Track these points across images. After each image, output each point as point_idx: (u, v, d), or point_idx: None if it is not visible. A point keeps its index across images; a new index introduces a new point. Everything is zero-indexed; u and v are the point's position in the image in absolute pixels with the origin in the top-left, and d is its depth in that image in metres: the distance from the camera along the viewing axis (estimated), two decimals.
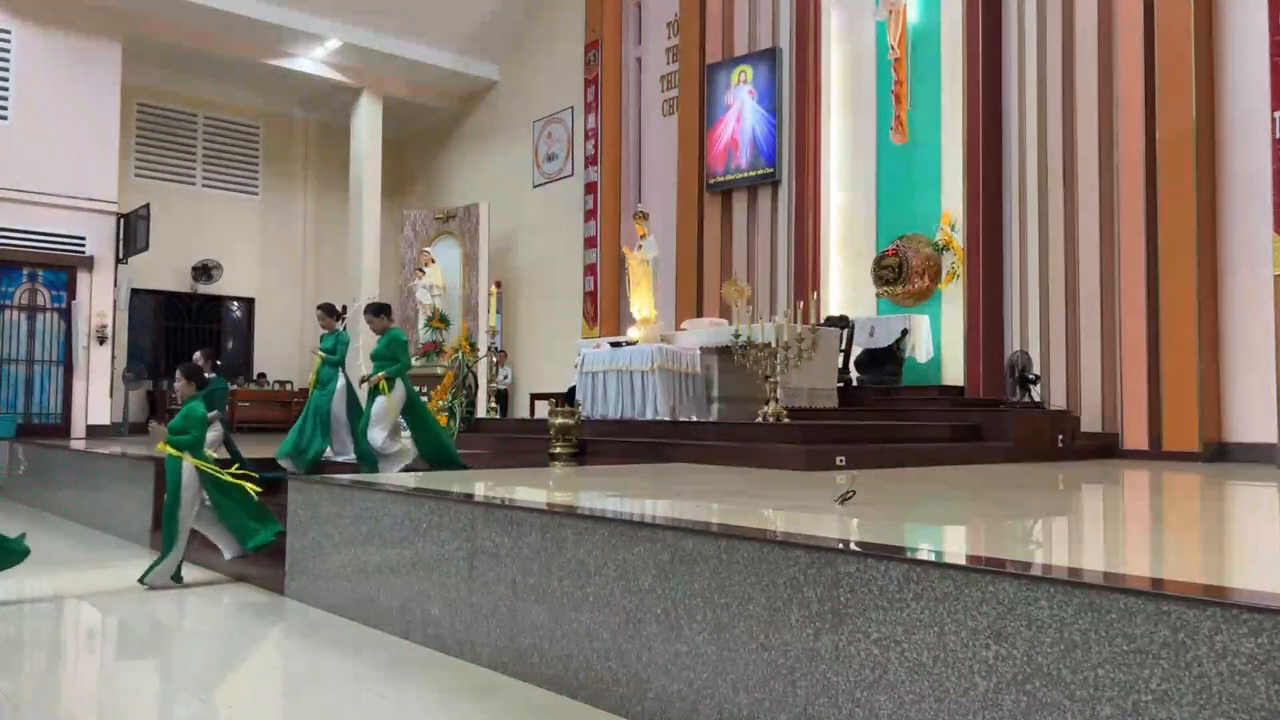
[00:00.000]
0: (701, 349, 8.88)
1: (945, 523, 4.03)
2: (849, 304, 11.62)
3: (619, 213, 14.09)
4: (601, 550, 3.39)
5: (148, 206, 13.73)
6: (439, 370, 13.22)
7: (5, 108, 13.11)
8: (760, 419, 7.72)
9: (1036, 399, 9.02)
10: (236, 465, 6.52)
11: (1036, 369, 9.39)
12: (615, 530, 3.37)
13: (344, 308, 13.04)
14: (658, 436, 7.88)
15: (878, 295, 11.20)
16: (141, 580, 5.46)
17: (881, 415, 9.12)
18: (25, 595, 5.68)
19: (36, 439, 12.18)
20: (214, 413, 6.68)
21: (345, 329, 7.74)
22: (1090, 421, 9.23)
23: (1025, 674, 2.25)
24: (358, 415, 7.10)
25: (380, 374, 6.68)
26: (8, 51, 13.17)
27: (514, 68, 16.66)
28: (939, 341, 10.76)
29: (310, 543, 5.10)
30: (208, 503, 5.71)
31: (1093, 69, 9.46)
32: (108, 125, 13.86)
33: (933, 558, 2.56)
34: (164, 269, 16.04)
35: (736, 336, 8.04)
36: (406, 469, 6.76)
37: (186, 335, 16.89)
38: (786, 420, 7.65)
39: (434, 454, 6.70)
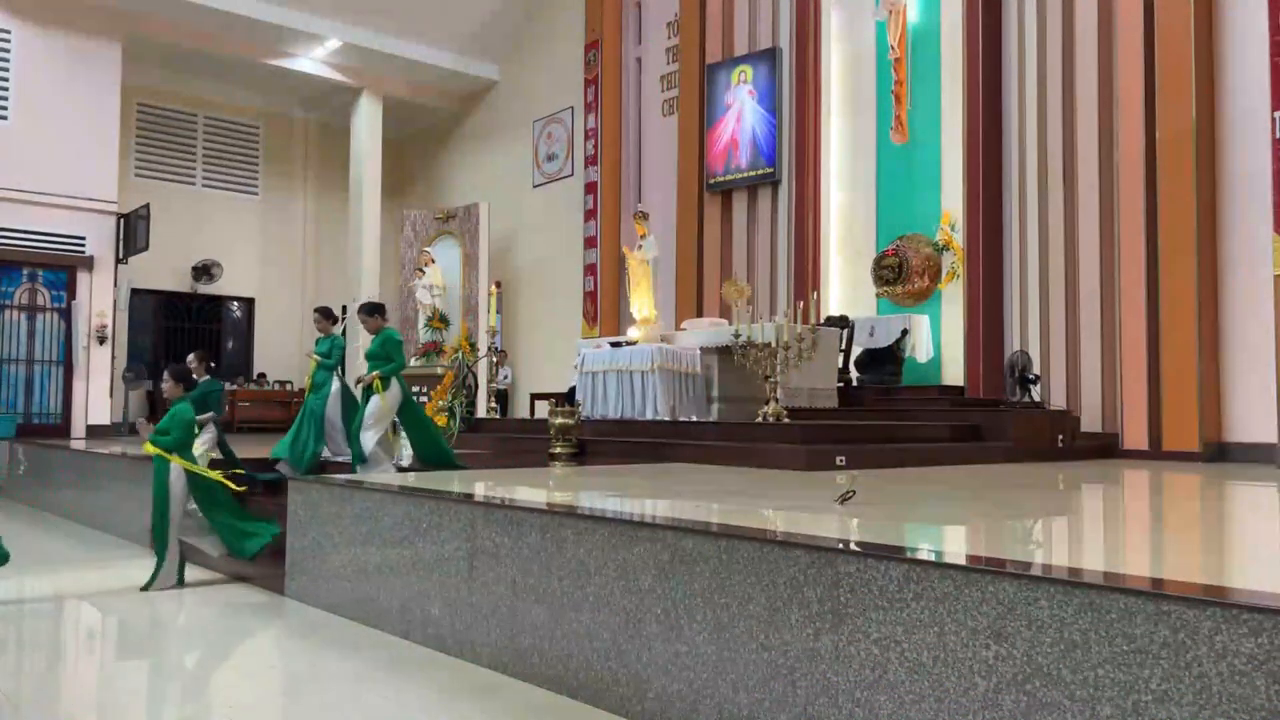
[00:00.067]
0: (701, 349, 8.88)
1: (945, 523, 4.03)
2: (849, 304, 11.61)
3: (619, 213, 14.09)
4: (601, 550, 3.39)
5: (148, 206, 13.72)
6: (439, 370, 13.22)
7: (5, 108, 13.11)
8: (760, 419, 7.72)
9: (1036, 399, 9.02)
10: (232, 468, 6.56)
11: (1036, 369, 9.39)
12: (615, 530, 3.37)
13: (344, 308, 13.04)
14: (658, 436, 7.88)
15: (878, 295, 11.20)
16: (144, 589, 5.45)
17: (881, 415, 9.12)
18: (25, 595, 5.68)
19: (36, 439, 12.18)
20: (210, 414, 6.68)
21: (342, 333, 7.72)
22: (1090, 421, 9.23)
23: (1025, 674, 2.25)
24: (353, 418, 7.10)
25: (375, 373, 6.67)
26: (8, 51, 13.17)
27: (514, 68, 16.66)
28: (939, 341, 10.76)
29: (310, 543, 5.10)
30: (193, 508, 5.69)
31: (1093, 69, 9.46)
32: (108, 125, 13.86)
33: (933, 558, 2.56)
34: (164, 269, 16.03)
35: (736, 336, 8.04)
36: (402, 469, 6.75)
37: (186, 335, 16.89)
38: (786, 420, 7.65)
39: (431, 455, 6.69)
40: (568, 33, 15.19)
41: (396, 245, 16.33)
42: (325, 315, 7.70)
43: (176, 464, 5.57)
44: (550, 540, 3.61)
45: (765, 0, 12.45)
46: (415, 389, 14.24)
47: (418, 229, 15.84)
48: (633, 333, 9.52)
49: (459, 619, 3.99)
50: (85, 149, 13.62)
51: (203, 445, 6.60)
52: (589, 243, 14.44)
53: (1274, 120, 8.02)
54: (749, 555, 2.90)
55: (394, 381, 6.70)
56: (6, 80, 13.14)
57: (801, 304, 8.86)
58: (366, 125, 16.47)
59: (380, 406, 6.63)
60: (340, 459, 7.17)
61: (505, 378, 15.40)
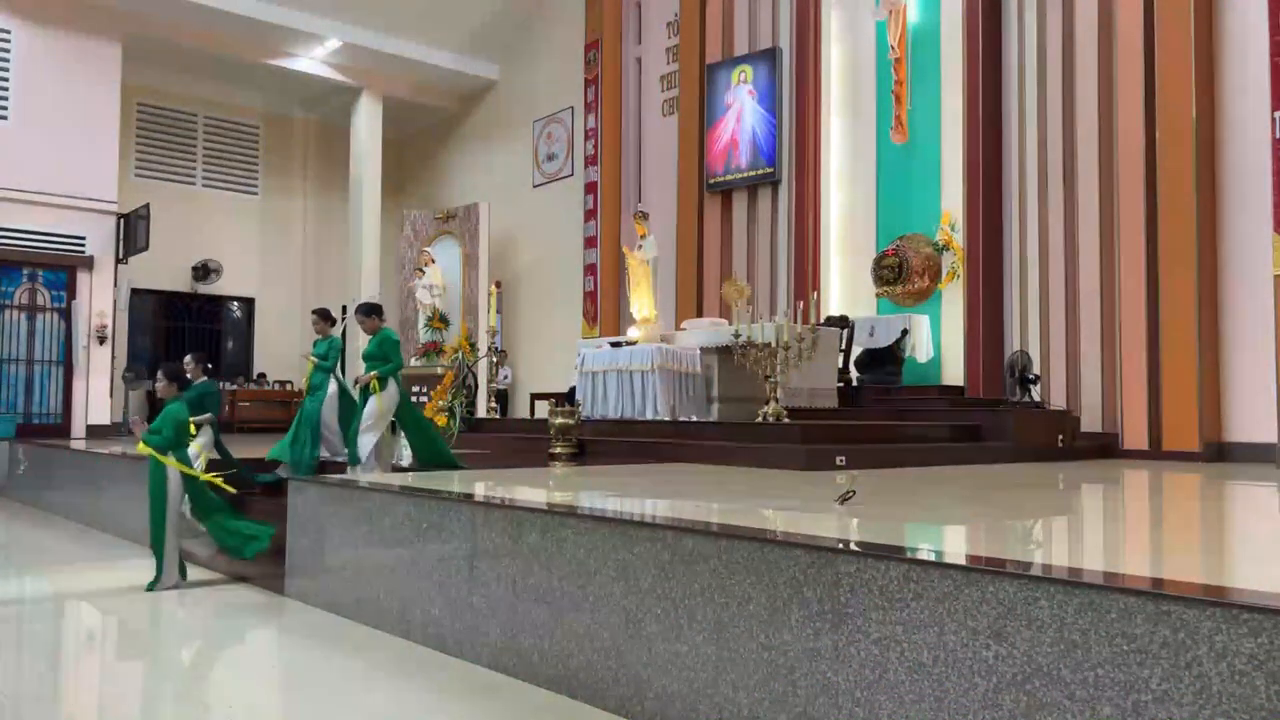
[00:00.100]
0: (701, 349, 8.88)
1: (945, 523, 4.03)
2: (849, 304, 11.61)
3: (619, 213, 14.09)
4: (601, 550, 3.39)
5: (147, 206, 13.72)
6: (439, 370, 13.23)
7: (5, 108, 13.11)
8: (760, 419, 7.72)
9: (1036, 399, 9.02)
10: (229, 469, 6.57)
11: (1036, 369, 9.39)
12: (615, 530, 3.37)
13: (344, 308, 13.04)
14: (658, 436, 7.88)
15: (878, 295, 11.20)
16: (150, 589, 5.45)
17: (881, 415, 9.12)
18: (25, 595, 5.68)
19: (36, 439, 12.18)
20: (207, 416, 6.68)
21: (342, 334, 7.71)
22: (1090, 421, 9.23)
23: (1025, 674, 2.25)
24: (351, 419, 7.10)
25: (372, 374, 6.68)
26: (8, 51, 13.17)
27: (514, 68, 16.66)
28: (939, 341, 10.76)
29: (310, 543, 5.10)
30: (186, 512, 5.69)
31: (1093, 69, 9.46)
32: (108, 125, 13.85)
33: (933, 558, 2.56)
34: (164, 269, 16.03)
35: (736, 336, 8.04)
36: (402, 469, 6.75)
37: (186, 335, 16.89)
38: (786, 420, 7.65)
39: (430, 456, 6.71)
40: (568, 33, 15.19)
41: (396, 245, 16.34)
42: (323, 317, 7.69)
43: (169, 465, 5.56)
44: (550, 540, 3.61)
45: (765, 0, 12.45)
46: (415, 389, 14.30)
47: (418, 229, 15.84)
48: (633, 333, 9.52)
49: (459, 619, 3.99)
50: (85, 149, 13.62)
51: (200, 446, 6.61)
52: (589, 243, 14.44)
53: (1274, 120, 8.02)
54: (749, 555, 2.90)
55: (391, 382, 6.71)
56: (6, 80, 13.14)
57: (801, 304, 8.86)
58: (366, 125, 16.47)
59: (377, 408, 6.63)
60: (339, 459, 7.17)
61: (505, 378, 15.40)
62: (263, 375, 17.11)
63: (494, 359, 13.88)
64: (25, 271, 13.39)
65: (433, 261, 15.15)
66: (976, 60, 10.21)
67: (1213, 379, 8.66)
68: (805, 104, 11.94)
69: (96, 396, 13.70)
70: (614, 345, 9.40)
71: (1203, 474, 7.02)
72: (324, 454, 7.31)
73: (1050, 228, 9.73)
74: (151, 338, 16.65)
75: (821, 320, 10.34)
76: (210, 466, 6.60)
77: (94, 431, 13.41)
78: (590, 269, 14.39)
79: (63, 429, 13.46)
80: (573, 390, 9.86)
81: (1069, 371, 9.50)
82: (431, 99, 17.25)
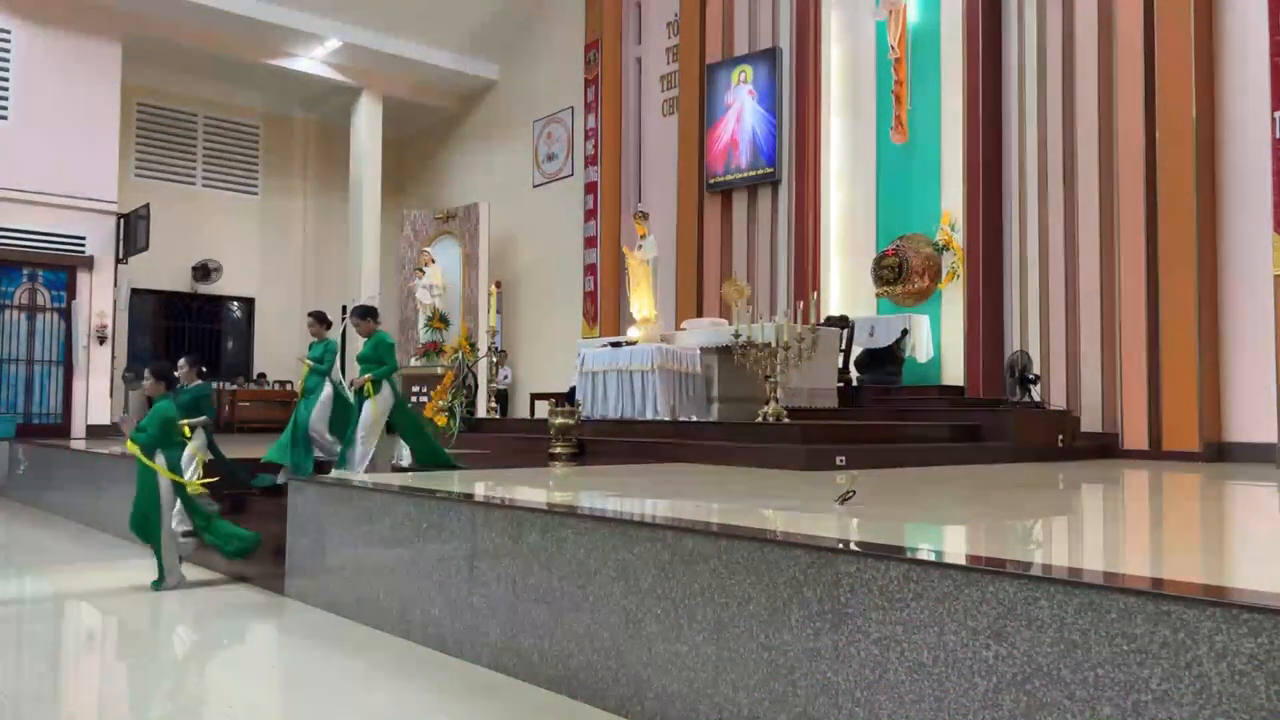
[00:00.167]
0: (701, 349, 8.88)
1: (945, 523, 4.03)
2: (849, 304, 11.62)
3: (619, 213, 14.09)
4: (601, 550, 3.39)
5: (147, 206, 13.72)
6: (439, 370, 13.23)
7: (5, 108, 13.11)
8: (760, 419, 7.72)
9: (1036, 399, 9.02)
10: (222, 470, 6.58)
11: (1036, 369, 9.39)
12: (615, 530, 3.37)
13: (344, 308, 13.02)
14: (658, 436, 7.89)
15: (878, 295, 11.20)
16: (156, 589, 5.45)
17: (881, 415, 9.13)
18: (25, 595, 5.68)
19: (36, 439, 12.18)
20: (202, 419, 6.68)
21: (343, 334, 7.70)
22: (1090, 421, 9.23)
23: (1025, 674, 2.25)
24: (342, 425, 7.10)
25: (366, 376, 6.69)
26: (8, 51, 13.17)
27: (514, 68, 16.66)
28: (939, 341, 10.77)
29: (310, 543, 5.10)
30: (176, 525, 5.67)
31: (1093, 69, 9.46)
32: (107, 125, 13.86)
33: (933, 558, 2.56)
34: (164, 269, 16.03)
35: (736, 336, 8.04)
36: (399, 469, 6.76)
37: (186, 335, 16.89)
38: (786, 420, 7.65)
39: (429, 457, 6.74)
40: (568, 33, 15.19)
41: (396, 245, 16.34)
42: (319, 319, 7.66)
43: (157, 461, 5.54)
44: (550, 540, 3.61)
45: (765, 0, 12.45)
46: (415, 389, 14.31)
47: (418, 229, 15.84)
48: (633, 333, 9.52)
49: (459, 619, 3.99)
50: (85, 149, 13.62)
51: (196, 449, 6.62)
52: (589, 243, 14.44)
53: (1274, 120, 8.02)
54: (749, 555, 2.90)
55: (385, 385, 6.72)
56: (6, 80, 13.14)
57: (801, 304, 8.86)
58: (366, 125, 16.47)
59: (372, 412, 6.65)
60: (332, 459, 7.15)
61: (505, 378, 15.40)
62: (262, 375, 17.11)
63: (494, 359, 13.88)
64: (25, 271, 13.40)
65: (433, 261, 15.16)
66: (976, 60, 10.21)
67: (1213, 379, 8.66)
68: (805, 104, 11.94)
69: (96, 396, 13.70)
70: (614, 345, 9.40)
71: (1203, 474, 7.02)
72: (318, 454, 7.29)
73: (1050, 228, 9.73)
74: (151, 338, 16.65)
75: (821, 320, 10.34)
76: (206, 467, 6.63)
77: (94, 431, 13.41)
78: (590, 269, 14.39)
79: (63, 429, 13.46)
80: (573, 390, 9.86)
81: (1069, 371, 9.50)
82: (431, 99, 17.25)
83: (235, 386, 16.11)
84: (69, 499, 9.23)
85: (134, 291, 14.96)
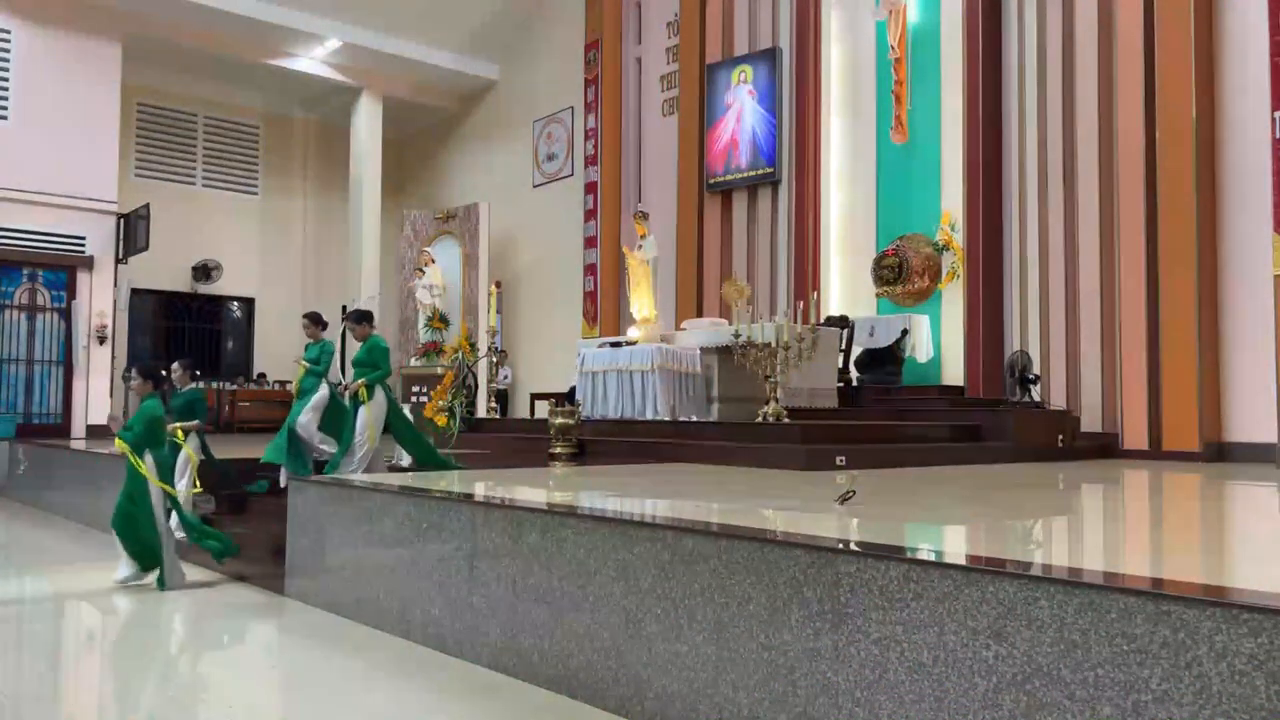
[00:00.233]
0: (701, 349, 8.88)
1: (945, 523, 4.03)
2: (849, 304, 11.62)
3: (619, 213, 14.09)
4: (601, 550, 3.39)
5: (147, 206, 13.73)
6: (439, 370, 13.22)
7: (5, 108, 13.11)
8: (760, 419, 7.72)
9: (1036, 399, 9.02)
10: (216, 474, 6.59)
11: (1036, 369, 9.39)
12: (615, 530, 3.37)
13: (344, 309, 13.02)
14: (658, 436, 7.89)
15: (878, 295, 11.20)
16: (161, 589, 5.44)
17: (881, 415, 9.13)
18: (25, 595, 5.68)
19: (36, 439, 12.18)
20: (194, 423, 6.68)
21: (340, 336, 7.70)
22: (1090, 421, 9.23)
23: (1025, 674, 2.25)
24: (334, 426, 7.10)
25: (360, 380, 6.69)
26: (8, 51, 13.17)
27: (514, 68, 16.66)
28: (939, 341, 10.77)
29: (310, 543, 5.10)
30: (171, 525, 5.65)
31: (1093, 69, 9.46)
32: (107, 125, 13.86)
33: (933, 558, 2.56)
34: (164, 269, 16.03)
35: (736, 336, 8.04)
36: (398, 469, 6.76)
37: (186, 335, 16.89)
38: (786, 420, 7.65)
39: (426, 458, 6.76)
40: (568, 33, 15.19)
41: (396, 245, 16.34)
42: (314, 321, 7.66)
43: (145, 461, 5.52)
44: (550, 540, 3.61)
45: (765, 0, 12.45)
46: (415, 389, 14.30)
47: (418, 229, 15.84)
48: (633, 333, 9.52)
49: (459, 619, 3.99)
50: (85, 149, 13.62)
51: (192, 452, 6.63)
52: (589, 243, 14.45)
53: (1274, 120, 8.02)
54: (749, 555, 2.90)
55: (379, 390, 6.73)
56: (6, 80, 13.14)
57: (801, 304, 8.86)
58: (366, 125, 16.47)
59: (366, 417, 6.66)
60: (321, 459, 7.15)
61: (505, 378, 15.41)
62: (262, 375, 17.11)
63: (494, 359, 13.89)
64: (25, 271, 13.40)
65: (433, 261, 15.16)
66: (976, 60, 10.21)
67: (1213, 379, 8.66)
68: (805, 104, 11.94)
69: (96, 396, 13.70)
70: (614, 345, 9.40)
71: (1203, 474, 7.02)
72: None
73: (1050, 228, 9.73)
74: (151, 338, 16.65)
75: (821, 320, 10.34)
76: (199, 472, 6.65)
77: (94, 431, 13.40)
78: (590, 269, 14.39)
79: (63, 429, 13.46)
80: (573, 390, 9.86)
81: (1069, 371, 9.50)
82: (431, 99, 17.25)
83: (235, 387, 16.11)
84: (69, 499, 9.23)
85: (134, 291, 14.96)
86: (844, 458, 6.53)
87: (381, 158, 16.69)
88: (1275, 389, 8.06)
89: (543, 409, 11.63)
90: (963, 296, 10.27)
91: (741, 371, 8.10)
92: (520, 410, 15.23)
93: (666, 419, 8.42)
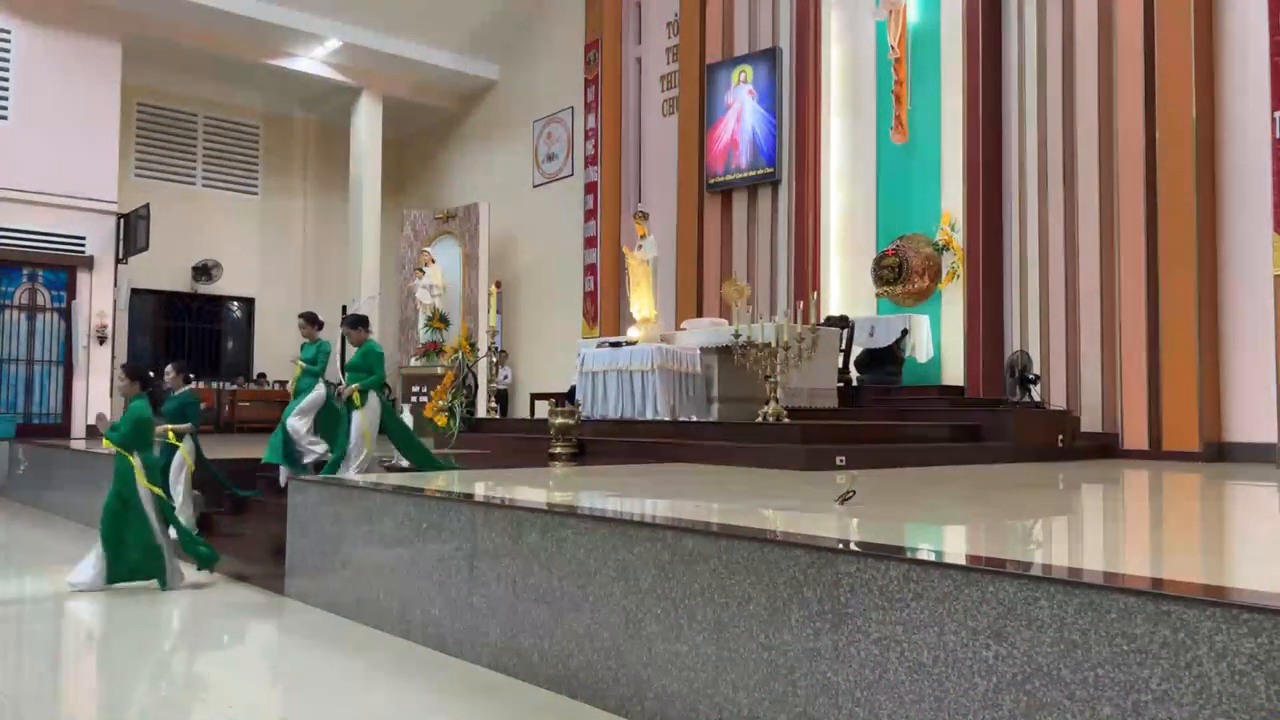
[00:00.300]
0: (701, 349, 8.88)
1: (945, 523, 4.03)
2: (849, 304, 11.61)
3: (619, 213, 14.09)
4: (601, 550, 3.39)
5: (147, 206, 13.72)
6: (439, 370, 13.23)
7: (5, 108, 13.11)
8: (760, 419, 7.72)
9: (1036, 399, 9.02)
10: (208, 476, 6.58)
11: (1036, 369, 9.39)
12: (615, 530, 3.37)
13: (344, 309, 13.02)
14: (658, 436, 7.89)
15: (878, 295, 11.19)
16: (163, 589, 5.44)
17: (881, 415, 9.12)
18: (25, 595, 5.68)
19: (36, 439, 12.18)
20: (186, 425, 6.67)
21: (340, 338, 7.69)
22: (1090, 421, 9.23)
23: (1025, 674, 2.25)
24: (328, 427, 7.10)
25: (354, 386, 6.70)
26: (8, 51, 13.17)
27: (514, 68, 16.66)
28: (939, 341, 10.76)
29: (310, 543, 5.10)
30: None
31: (1093, 69, 9.46)
32: (107, 125, 13.85)
33: (933, 558, 2.56)
34: (164, 269, 16.03)
35: (736, 336, 8.04)
36: (398, 469, 6.77)
37: (186, 335, 16.89)
38: (786, 420, 7.65)
39: (422, 460, 6.77)
40: (568, 33, 15.19)
41: (396, 245, 16.34)
42: (310, 321, 7.66)
43: (135, 462, 5.48)
44: (550, 540, 3.61)
45: (765, 0, 12.45)
46: (415, 389, 14.30)
47: (418, 229, 15.84)
48: (633, 333, 9.52)
49: (459, 619, 3.99)
50: (85, 149, 13.62)
51: (187, 454, 6.63)
52: (589, 243, 14.44)
53: (1274, 120, 8.02)
54: (749, 555, 2.90)
55: (372, 395, 6.75)
56: (6, 80, 13.14)
57: (801, 304, 8.86)
58: (366, 125, 16.47)
59: (361, 423, 6.69)
60: (309, 459, 7.14)
61: (505, 378, 15.40)
62: (262, 375, 17.11)
63: (494, 359, 13.89)
64: (25, 271, 13.39)
65: (433, 261, 15.16)
66: (976, 60, 10.21)
67: (1213, 379, 8.66)
68: (805, 104, 11.94)
69: (96, 397, 13.70)
70: (614, 345, 9.40)
71: (1203, 474, 7.02)
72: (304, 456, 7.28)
73: (1050, 228, 9.73)
74: (151, 338, 16.65)
75: (821, 320, 10.34)
76: (195, 471, 6.65)
77: (94, 432, 13.40)
78: (590, 269, 14.39)
79: (63, 429, 13.46)
80: (573, 390, 9.86)
81: (1069, 371, 9.50)
82: (431, 99, 17.25)
83: (235, 387, 16.10)
84: (69, 499, 9.23)
85: (134, 291, 14.96)
86: (844, 458, 6.53)
87: (381, 158, 16.69)
88: (1275, 389, 8.05)
89: (543, 409, 11.63)
90: (963, 296, 10.27)
91: (741, 371, 8.10)
92: (520, 410, 15.23)
93: (666, 419, 8.42)
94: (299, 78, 16.11)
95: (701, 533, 3.10)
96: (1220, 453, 8.57)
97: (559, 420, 7.58)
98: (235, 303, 17.59)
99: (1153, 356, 8.85)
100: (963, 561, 2.50)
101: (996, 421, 8.43)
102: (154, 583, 5.48)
